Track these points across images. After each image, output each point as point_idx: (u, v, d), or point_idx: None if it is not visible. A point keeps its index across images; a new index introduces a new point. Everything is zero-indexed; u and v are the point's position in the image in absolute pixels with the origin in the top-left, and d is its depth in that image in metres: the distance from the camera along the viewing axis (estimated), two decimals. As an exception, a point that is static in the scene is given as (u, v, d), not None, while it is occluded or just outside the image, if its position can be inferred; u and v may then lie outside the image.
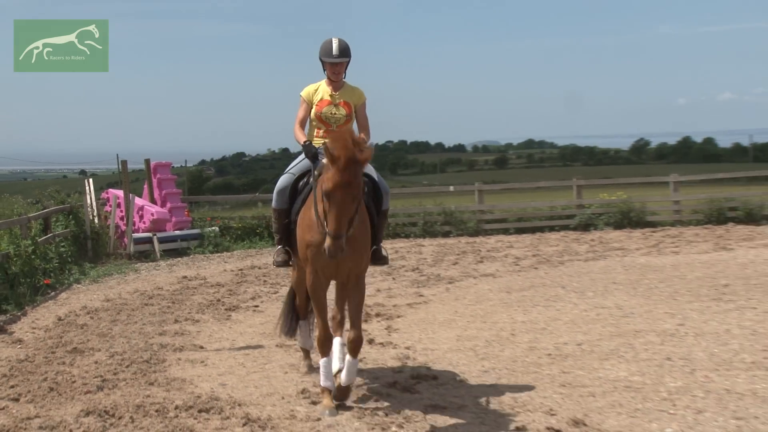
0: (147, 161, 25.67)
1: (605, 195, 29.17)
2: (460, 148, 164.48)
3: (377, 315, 13.67)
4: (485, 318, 13.19)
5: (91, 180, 24.09)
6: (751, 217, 26.46)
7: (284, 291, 16.05)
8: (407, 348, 11.21)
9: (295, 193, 8.94)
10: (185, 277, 18.84)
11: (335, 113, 9.07)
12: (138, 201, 24.16)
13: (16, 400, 8.97)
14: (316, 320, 8.89)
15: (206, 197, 36.04)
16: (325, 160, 7.85)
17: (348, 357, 8.44)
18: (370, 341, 11.57)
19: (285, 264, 9.25)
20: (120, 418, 8.18)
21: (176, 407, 8.42)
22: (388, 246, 23.24)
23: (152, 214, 23.49)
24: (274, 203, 9.02)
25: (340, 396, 8.50)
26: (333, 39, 9.00)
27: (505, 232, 26.90)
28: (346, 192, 7.44)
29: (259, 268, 20.25)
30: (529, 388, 9.04)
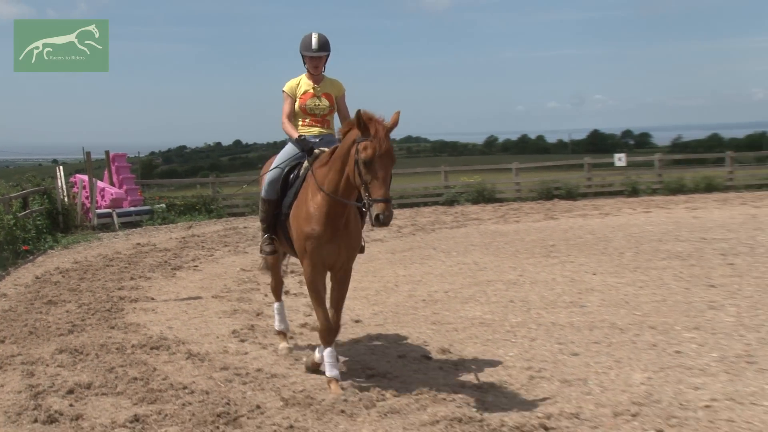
0: (107, 152, 25.60)
1: (465, 178, 30.15)
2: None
3: (291, 272, 13.94)
4: (375, 273, 13.69)
5: (61, 167, 23.58)
6: (570, 195, 28.45)
7: (219, 255, 16.47)
8: None
9: (286, 185, 7.71)
10: (139, 243, 18.81)
11: (318, 104, 7.94)
12: (100, 184, 24.04)
13: (2, 341, 9.08)
14: (315, 311, 7.39)
15: (155, 181, 36.30)
16: (344, 136, 6.83)
17: (327, 350, 7.11)
18: (286, 292, 11.95)
19: (273, 253, 8.10)
20: (87, 354, 8.38)
21: (132, 345, 8.67)
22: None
23: (111, 194, 23.34)
24: (264, 193, 7.82)
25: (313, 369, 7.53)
26: (313, 34, 7.87)
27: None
28: (389, 158, 6.47)
29: (198, 236, 20.31)
30: (408, 325, 9.56)
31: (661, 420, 6.11)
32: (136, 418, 6.26)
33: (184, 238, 20.06)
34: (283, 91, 8.01)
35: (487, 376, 7.42)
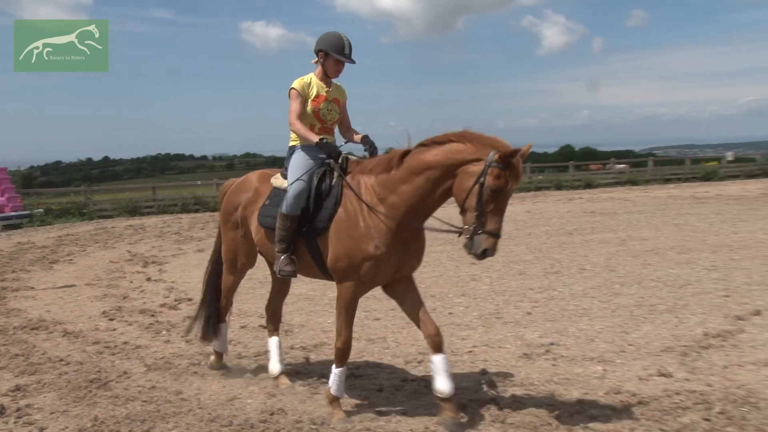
0: (-9, 166, 23.72)
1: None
2: (204, 157, 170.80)
3: (153, 262, 13.57)
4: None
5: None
6: None
7: (91, 251, 15.61)
8: (173, 282, 11.23)
9: (319, 197, 5.23)
10: (19, 242, 17.52)
11: (331, 110, 5.66)
12: (-17, 193, 22.35)
13: None
14: (342, 331, 5.11)
15: (34, 190, 34.09)
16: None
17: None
18: (148, 279, 11.60)
19: (293, 274, 5.44)
20: (-27, 337, 7.73)
21: (14, 327, 8.09)
22: (157, 220, 22.96)
23: (-6, 202, 21.75)
24: (288, 209, 5.19)
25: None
26: (342, 35, 5.52)
27: (234, 208, 26.91)
28: (513, 192, 4.73)
29: (73, 235, 19.10)
30: (249, 302, 9.37)
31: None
32: (17, 388, 5.82)
33: (60, 237, 18.85)
34: (293, 88, 5.52)
35: (311, 339, 7.43)
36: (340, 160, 5.29)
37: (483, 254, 4.61)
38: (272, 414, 5.12)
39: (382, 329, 7.65)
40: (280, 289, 6.36)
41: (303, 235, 5.25)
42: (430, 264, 11.76)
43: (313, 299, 9.43)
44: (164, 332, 7.75)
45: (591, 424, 4.78)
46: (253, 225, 5.69)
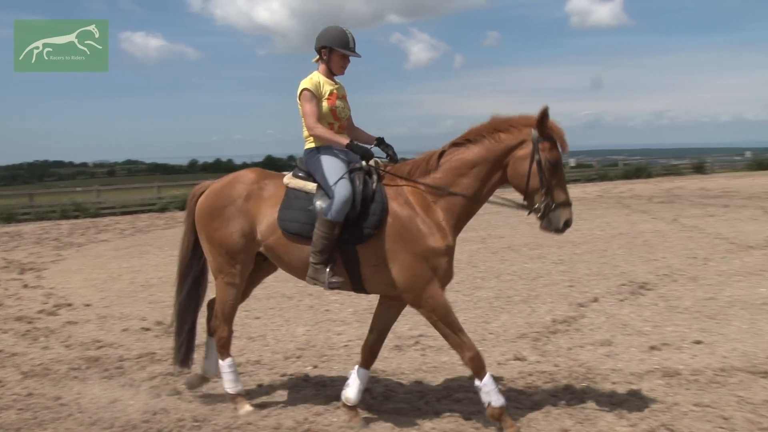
0: None
1: (174, 191, 28.86)
2: (84, 164, 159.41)
3: (30, 269, 12.72)
4: (102, 266, 12.70)
5: None
6: None
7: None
8: (51, 288, 10.55)
9: (363, 202, 4.52)
10: None
11: (344, 107, 4.95)
12: None
13: None
14: (460, 340, 4.50)
15: None
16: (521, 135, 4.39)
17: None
18: (25, 286, 10.84)
19: (342, 286, 4.60)
20: None
21: None
22: (35, 227, 21.53)
23: None
24: (335, 215, 4.40)
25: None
26: (345, 29, 4.85)
27: (114, 214, 25.54)
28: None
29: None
30: (130, 306, 8.98)
31: (316, 358, 6.31)
32: None
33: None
34: (307, 89, 4.76)
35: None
36: (373, 163, 4.75)
37: (565, 226, 4.39)
38: (155, 414, 4.93)
39: (261, 327, 7.54)
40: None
41: (340, 244, 4.52)
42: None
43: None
44: (42, 339, 7.26)
45: (456, 407, 4.93)
46: (265, 224, 4.74)
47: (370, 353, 4.89)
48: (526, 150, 4.38)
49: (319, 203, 4.58)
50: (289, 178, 4.87)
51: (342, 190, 4.48)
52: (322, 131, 4.72)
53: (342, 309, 8.26)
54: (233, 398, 5.03)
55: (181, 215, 24.01)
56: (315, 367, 6.07)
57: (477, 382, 4.48)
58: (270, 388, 5.54)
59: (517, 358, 6.03)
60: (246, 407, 4.97)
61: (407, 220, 4.49)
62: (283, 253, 4.74)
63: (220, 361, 5.09)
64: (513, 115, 4.52)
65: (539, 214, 4.40)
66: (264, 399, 5.23)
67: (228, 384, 5.05)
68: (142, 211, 26.26)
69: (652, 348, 6.22)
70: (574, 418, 4.65)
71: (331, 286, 4.52)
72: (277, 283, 10.03)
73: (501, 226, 16.34)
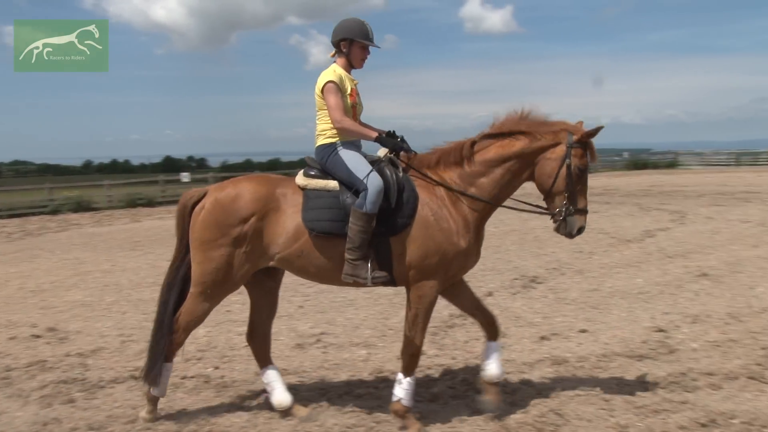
0: None
1: (67, 192, 27.45)
2: None
3: None
4: (-12, 272, 11.91)
5: None
6: (150, 203, 27.73)
7: None
8: None
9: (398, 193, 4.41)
10: None
11: (361, 104, 4.77)
12: None
13: None
14: (418, 336, 4.50)
15: None
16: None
17: (495, 343, 4.81)
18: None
19: (388, 278, 4.45)
20: None
21: None
22: None
23: None
24: (371, 207, 4.26)
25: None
26: (363, 20, 4.62)
27: (1, 217, 24.03)
28: None
29: None
30: (20, 312, 8.44)
31: (217, 359, 6.18)
32: None
33: None
34: (332, 81, 4.50)
35: (89, 344, 6.86)
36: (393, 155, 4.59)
37: (578, 232, 4.40)
38: (45, 424, 4.67)
39: (161, 330, 7.29)
40: (266, 309, 4.98)
41: (374, 236, 4.36)
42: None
43: (90, 305, 8.73)
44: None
45: (357, 402, 4.95)
46: (285, 235, 4.44)
47: (491, 325, 4.81)
48: (558, 152, 4.37)
49: (349, 198, 4.40)
50: (304, 179, 4.60)
51: (375, 181, 4.33)
52: (350, 124, 4.51)
53: (244, 309, 8.07)
54: (151, 399, 4.74)
55: (75, 217, 23.00)
56: (216, 368, 5.94)
57: (401, 377, 4.52)
58: (170, 391, 5.36)
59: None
60: (145, 414, 4.72)
61: (436, 211, 4.42)
62: (309, 257, 4.46)
63: (167, 364, 4.73)
64: (551, 119, 4.50)
65: (558, 218, 4.43)
66: (163, 402, 5.06)
67: (158, 390, 4.73)
68: (32, 214, 24.83)
69: (542, 338, 6.49)
70: (470, 408, 4.78)
71: (375, 281, 4.37)
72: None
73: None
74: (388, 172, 4.45)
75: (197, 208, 4.64)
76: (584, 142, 4.35)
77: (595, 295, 8.22)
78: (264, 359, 4.95)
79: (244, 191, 4.52)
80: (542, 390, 5.07)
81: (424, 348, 6.19)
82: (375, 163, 4.51)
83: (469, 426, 4.47)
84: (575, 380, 5.29)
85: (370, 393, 5.16)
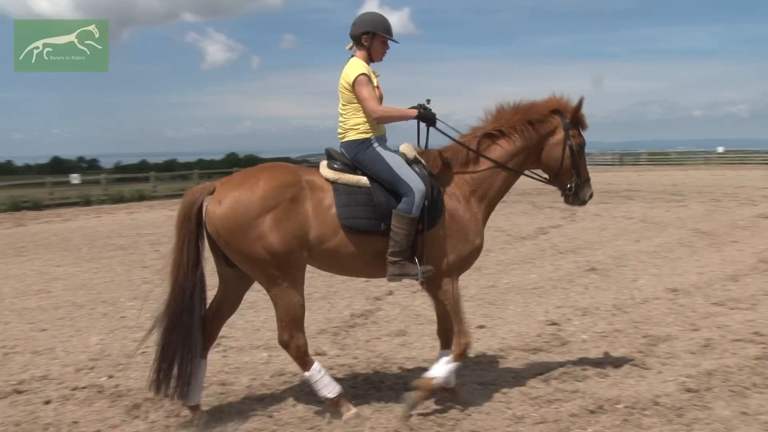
0: None
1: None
2: None
3: None
4: None
5: None
6: (36, 206, 25.83)
7: None
8: None
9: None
10: None
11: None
12: None
13: None
14: (462, 327, 4.63)
15: None
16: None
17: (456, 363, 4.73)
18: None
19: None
20: None
21: None
22: None
23: None
24: (416, 211, 4.32)
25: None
26: (384, 15, 4.61)
27: None
28: None
29: None
30: None
31: (111, 368, 5.91)
32: None
33: None
34: (364, 74, 4.45)
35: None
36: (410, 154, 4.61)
37: (590, 198, 4.89)
38: None
39: (49, 339, 6.89)
40: (228, 306, 4.76)
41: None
42: (100, 270, 10.95)
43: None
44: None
45: (258, 406, 4.88)
46: (321, 227, 4.33)
47: (447, 334, 4.86)
48: (559, 136, 4.74)
49: (383, 197, 4.40)
50: (333, 173, 4.49)
51: (420, 186, 4.38)
52: (388, 109, 4.52)
53: (139, 315, 7.81)
54: (336, 402, 4.54)
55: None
56: (110, 377, 5.68)
57: (446, 357, 4.66)
58: (60, 404, 5.09)
59: (317, 353, 6.10)
60: (352, 409, 4.55)
61: (456, 211, 4.57)
62: (344, 254, 4.40)
63: (306, 373, 4.52)
64: (536, 102, 4.80)
65: (569, 192, 4.84)
66: (53, 417, 4.80)
67: (326, 390, 4.50)
68: None
69: (442, 334, 6.61)
70: (372, 406, 4.81)
71: (425, 275, 4.42)
72: (66, 291, 9.30)
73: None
74: (424, 173, 4.51)
75: (210, 208, 4.32)
76: (577, 119, 4.77)
77: (492, 291, 8.47)
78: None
79: (270, 178, 4.34)
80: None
81: (325, 348, 6.23)
82: (411, 164, 4.55)
83: (372, 424, 4.49)
84: (474, 375, 5.43)
85: (271, 395, 5.09)
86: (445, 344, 4.89)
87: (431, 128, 4.67)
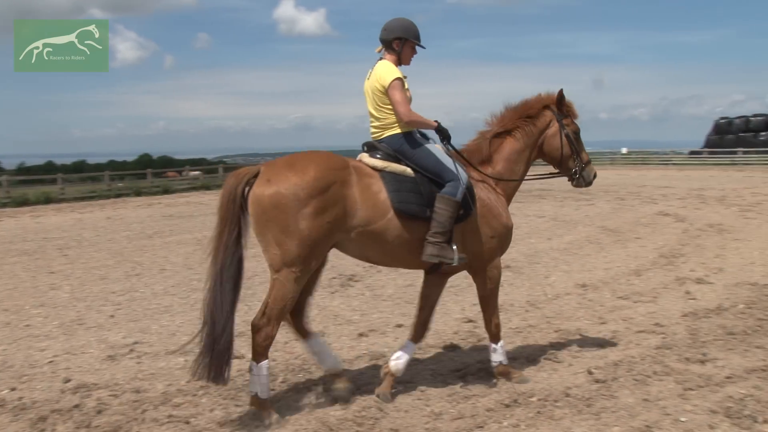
0: None
1: None
2: None
3: None
4: None
5: None
6: None
7: None
8: None
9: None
10: None
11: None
12: None
13: None
14: (496, 312, 5.16)
15: None
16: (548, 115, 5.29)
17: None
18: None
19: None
20: None
21: None
22: None
23: None
24: (461, 196, 4.67)
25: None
26: (414, 22, 4.91)
27: None
28: None
29: None
30: None
31: (14, 379, 5.61)
32: None
33: None
34: (399, 78, 4.74)
35: None
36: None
37: (594, 178, 5.45)
38: None
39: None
40: (307, 286, 4.86)
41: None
42: (2, 277, 10.37)
43: None
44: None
45: (175, 412, 4.75)
46: (371, 209, 4.54)
47: (423, 327, 5.20)
48: (554, 128, 5.28)
49: (427, 185, 4.71)
50: (380, 162, 4.76)
51: (463, 173, 4.81)
52: (418, 116, 4.81)
53: (46, 323, 7.46)
54: (263, 404, 4.51)
55: None
56: (13, 389, 5.38)
57: (494, 345, 5.18)
58: (-43, 419, 4.80)
59: (235, 357, 6.00)
60: (274, 415, 4.51)
61: (487, 199, 4.99)
62: (391, 236, 4.62)
63: (256, 364, 4.49)
64: (529, 99, 5.31)
65: (576, 176, 5.37)
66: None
67: (259, 388, 4.48)
68: None
69: (361, 335, 6.65)
70: (293, 408, 4.77)
71: (460, 261, 4.73)
72: (-35, 300, 8.76)
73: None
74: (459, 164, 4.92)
75: (257, 189, 4.38)
76: (564, 108, 5.30)
77: (410, 290, 8.55)
78: (304, 332, 4.96)
79: (321, 161, 4.49)
80: (362, 385, 5.18)
81: (242, 351, 6.11)
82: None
83: (292, 425, 4.46)
84: (393, 373, 5.47)
85: (187, 401, 4.97)
86: (415, 337, 5.18)
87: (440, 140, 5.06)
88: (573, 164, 5.37)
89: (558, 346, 6.10)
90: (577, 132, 5.36)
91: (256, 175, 4.46)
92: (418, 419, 4.55)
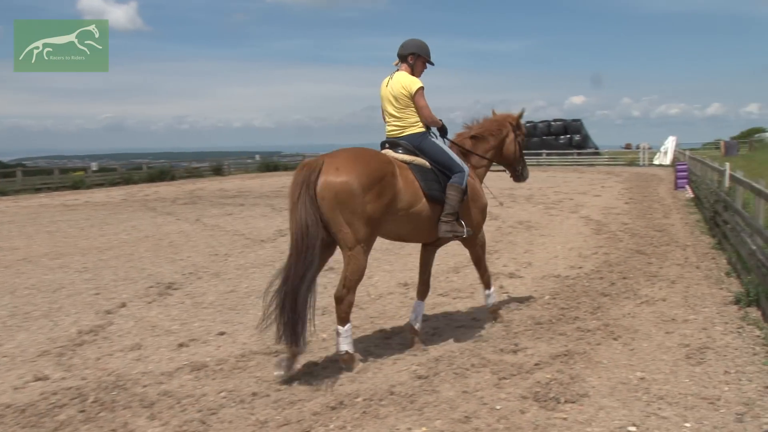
0: None
1: None
2: None
3: None
4: None
5: None
6: None
7: None
8: None
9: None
10: None
11: None
12: None
13: None
14: (485, 264, 6.79)
15: None
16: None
17: (420, 302, 6.42)
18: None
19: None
20: None
21: None
22: None
23: None
24: (465, 184, 5.93)
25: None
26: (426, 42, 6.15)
27: None
28: None
29: None
30: None
31: None
32: None
33: None
34: (422, 87, 5.90)
35: None
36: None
37: (528, 175, 7.14)
38: None
39: None
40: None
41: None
42: None
43: None
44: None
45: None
46: (411, 195, 5.64)
47: (425, 286, 6.37)
48: (511, 137, 6.83)
49: (440, 175, 5.88)
50: (408, 156, 5.84)
51: (465, 165, 6.07)
52: (438, 119, 6.02)
53: None
54: (351, 357, 5.53)
55: None
56: None
57: (488, 291, 6.77)
58: None
59: (38, 379, 5.54)
60: (359, 364, 5.57)
61: (474, 184, 6.34)
62: (423, 216, 5.76)
63: (342, 327, 5.46)
64: (497, 116, 6.85)
65: (519, 174, 7.05)
66: None
67: (346, 346, 5.48)
68: None
69: (181, 345, 6.41)
70: (104, 428, 4.49)
71: (468, 233, 6.00)
72: None
73: (15, 236, 14.81)
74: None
75: (328, 177, 5.18)
76: (518, 124, 6.87)
77: (232, 296, 8.39)
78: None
79: (378, 155, 5.59)
80: (182, 399, 5.00)
81: (47, 372, 5.69)
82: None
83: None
84: (215, 383, 5.34)
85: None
86: (421, 296, 6.34)
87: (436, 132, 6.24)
88: (518, 164, 6.98)
89: (382, 345, 6.28)
90: (523, 140, 6.95)
91: (321, 166, 5.26)
92: (243, 428, 4.48)
